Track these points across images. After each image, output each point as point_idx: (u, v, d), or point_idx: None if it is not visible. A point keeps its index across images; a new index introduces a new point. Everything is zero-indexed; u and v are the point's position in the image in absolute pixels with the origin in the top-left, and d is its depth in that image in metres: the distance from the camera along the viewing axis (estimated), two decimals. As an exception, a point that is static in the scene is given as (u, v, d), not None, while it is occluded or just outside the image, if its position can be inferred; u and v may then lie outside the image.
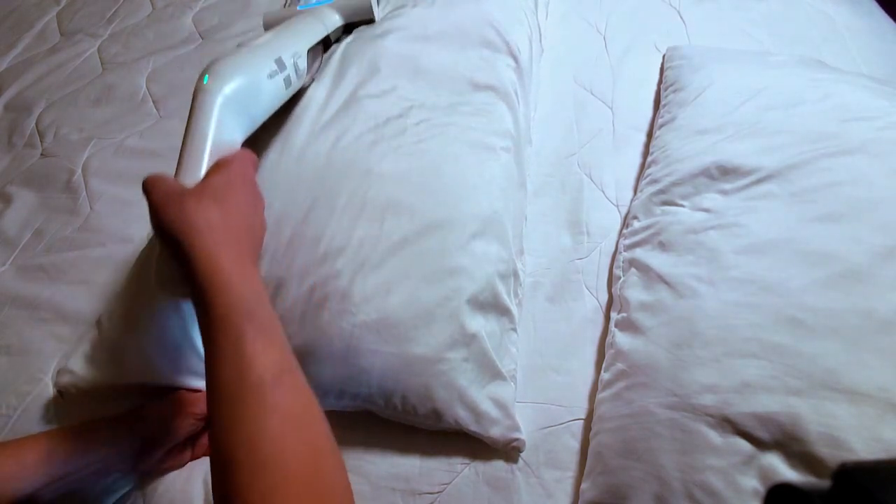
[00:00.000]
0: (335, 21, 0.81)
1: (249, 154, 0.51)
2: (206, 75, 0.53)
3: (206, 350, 0.38)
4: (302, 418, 0.37)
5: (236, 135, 0.53)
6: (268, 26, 0.82)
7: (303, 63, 0.68)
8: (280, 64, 0.62)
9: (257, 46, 0.61)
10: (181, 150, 0.49)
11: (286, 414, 0.36)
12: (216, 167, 0.46)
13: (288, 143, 0.70)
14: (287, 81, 0.63)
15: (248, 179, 0.47)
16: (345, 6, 0.83)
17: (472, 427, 0.55)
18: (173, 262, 0.41)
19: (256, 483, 0.32)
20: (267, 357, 0.37)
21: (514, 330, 0.63)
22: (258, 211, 0.48)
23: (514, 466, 0.56)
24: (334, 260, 0.57)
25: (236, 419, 0.34)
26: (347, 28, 0.85)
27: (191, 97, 0.52)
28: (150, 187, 0.43)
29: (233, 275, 0.39)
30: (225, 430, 0.35)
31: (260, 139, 0.70)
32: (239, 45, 0.62)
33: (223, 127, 0.51)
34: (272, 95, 0.60)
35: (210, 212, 0.41)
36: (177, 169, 0.48)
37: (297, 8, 0.83)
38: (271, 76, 0.60)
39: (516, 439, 0.55)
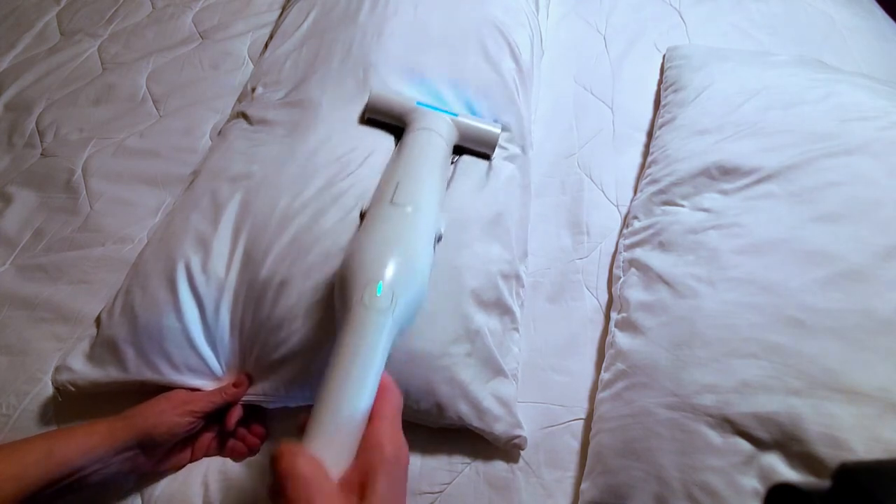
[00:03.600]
0: (454, 142, 0.69)
1: (397, 399, 0.40)
2: (379, 284, 0.41)
3: None
4: None
5: (386, 357, 0.41)
6: (373, 108, 0.71)
7: (444, 227, 0.57)
8: (435, 243, 0.53)
9: (417, 220, 0.50)
10: (323, 396, 0.37)
11: None
12: (374, 459, 0.35)
13: (296, 141, 0.70)
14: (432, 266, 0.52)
15: (405, 464, 0.37)
16: (469, 130, 0.70)
17: (475, 423, 0.55)
18: None
19: None
20: None
21: (517, 330, 0.63)
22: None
23: (515, 466, 0.56)
24: (337, 258, 0.57)
25: None
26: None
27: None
28: (294, 486, 0.33)
29: None
30: None
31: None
32: (392, 203, 0.51)
33: (380, 358, 0.40)
34: (426, 291, 0.49)
35: None
36: (309, 435, 0.36)
37: (415, 104, 0.70)
38: (431, 269, 0.50)
39: (518, 436, 0.55)
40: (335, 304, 0.45)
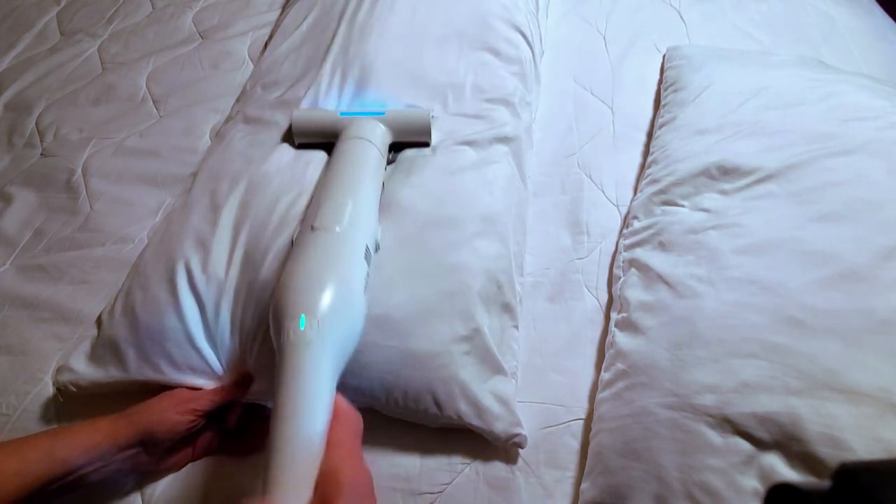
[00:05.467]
0: (387, 142, 0.67)
1: (353, 424, 0.39)
2: (301, 317, 0.40)
3: None
4: None
5: (333, 390, 0.41)
6: (299, 130, 0.69)
7: (380, 236, 0.55)
8: (368, 257, 0.50)
9: (343, 239, 0.48)
10: (274, 442, 0.37)
11: None
12: (331, 490, 0.35)
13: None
14: (368, 276, 0.50)
15: (367, 487, 0.37)
16: (399, 122, 0.68)
17: (474, 422, 0.55)
18: None
19: None
20: None
21: (516, 328, 0.63)
22: None
23: (514, 466, 0.56)
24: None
25: None
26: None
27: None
28: None
29: None
30: None
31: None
32: (312, 229, 0.50)
33: (324, 391, 0.39)
34: (363, 310, 0.47)
35: None
36: (268, 482, 0.36)
37: (338, 115, 0.68)
38: (365, 286, 0.48)
39: (518, 434, 0.55)
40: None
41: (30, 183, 0.82)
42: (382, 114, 0.68)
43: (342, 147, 0.63)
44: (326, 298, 0.43)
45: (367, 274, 0.50)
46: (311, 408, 0.38)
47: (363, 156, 0.62)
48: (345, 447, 0.38)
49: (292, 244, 0.55)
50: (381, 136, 0.65)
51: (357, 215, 0.53)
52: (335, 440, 0.38)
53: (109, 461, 0.48)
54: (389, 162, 0.68)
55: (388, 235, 0.60)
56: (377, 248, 0.54)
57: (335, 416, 0.39)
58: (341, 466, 0.36)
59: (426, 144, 0.70)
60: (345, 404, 0.40)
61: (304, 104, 0.75)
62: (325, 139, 0.69)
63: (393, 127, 0.68)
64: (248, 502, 0.34)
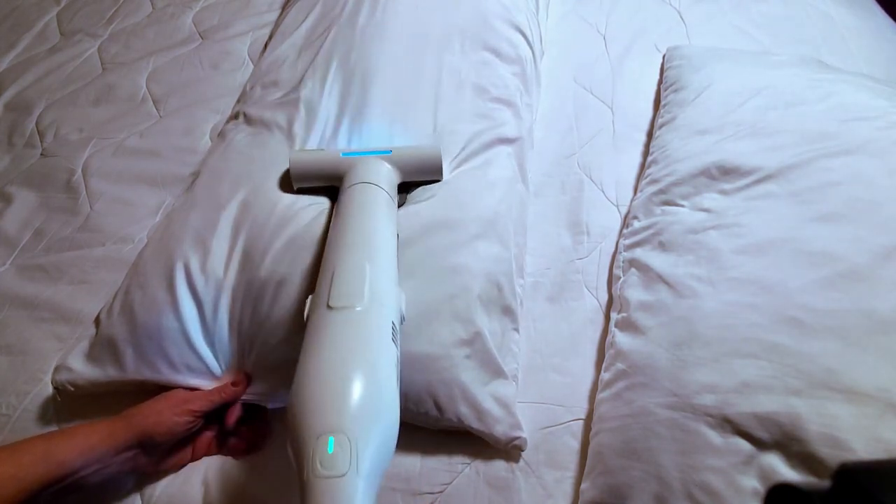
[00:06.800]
0: (396, 182, 0.61)
1: None
2: (330, 439, 0.33)
3: None
4: None
5: None
6: (298, 174, 0.63)
7: (404, 305, 0.49)
8: (395, 336, 0.43)
9: (367, 321, 0.41)
10: None
11: None
12: None
13: (294, 141, 0.70)
14: (399, 364, 0.43)
15: None
16: (408, 162, 0.62)
17: (475, 425, 0.55)
18: None
19: None
20: None
21: (516, 330, 0.63)
22: None
23: (515, 466, 0.56)
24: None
25: None
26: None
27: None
28: None
29: None
30: None
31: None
32: (329, 308, 0.42)
33: None
34: (398, 404, 0.40)
35: None
36: None
37: (340, 155, 0.62)
38: (396, 369, 0.41)
39: (518, 437, 0.55)
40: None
41: (30, 183, 0.82)
42: (389, 152, 0.62)
43: (347, 196, 0.57)
44: (357, 406, 0.35)
45: (398, 358, 0.42)
46: None
47: (372, 204, 0.55)
48: None
49: (305, 321, 0.46)
50: (388, 178, 0.59)
51: (377, 284, 0.45)
52: None
53: (108, 463, 0.48)
54: (399, 205, 0.62)
55: None
56: (402, 321, 0.47)
57: None
58: None
59: (437, 181, 0.66)
60: None
61: (303, 109, 0.74)
62: (326, 183, 0.63)
63: (401, 166, 0.62)
64: None
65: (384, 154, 0.62)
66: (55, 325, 0.66)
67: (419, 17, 0.84)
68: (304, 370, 0.39)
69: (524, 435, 0.56)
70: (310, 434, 0.34)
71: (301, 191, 0.64)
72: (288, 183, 0.65)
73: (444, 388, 0.55)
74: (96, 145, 0.86)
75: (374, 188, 0.57)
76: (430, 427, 0.57)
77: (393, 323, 0.43)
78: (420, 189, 0.65)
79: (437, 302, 0.57)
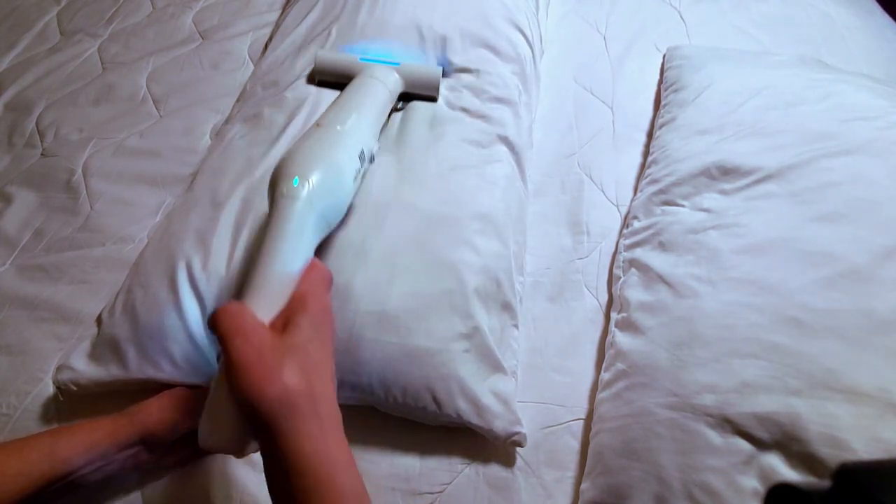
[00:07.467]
0: (398, 89, 0.73)
1: (325, 273, 0.45)
2: (296, 178, 0.46)
3: None
4: None
5: (313, 246, 0.47)
6: (321, 68, 0.76)
7: (376, 150, 0.61)
8: (362, 158, 0.56)
9: (342, 135, 0.54)
10: (254, 267, 0.43)
11: None
12: (297, 305, 0.41)
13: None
14: (362, 175, 0.57)
15: (329, 319, 0.42)
16: (412, 75, 0.74)
17: (474, 420, 0.55)
18: (246, 428, 0.40)
19: None
20: None
21: (516, 326, 0.63)
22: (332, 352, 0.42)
23: (515, 466, 0.56)
24: (336, 255, 0.58)
25: None
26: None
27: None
28: (231, 334, 0.37)
29: (338, 465, 0.37)
30: None
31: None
32: (317, 125, 0.55)
33: (306, 242, 0.46)
34: (350, 194, 0.54)
35: (317, 386, 0.38)
36: (245, 290, 0.42)
37: (358, 59, 0.74)
38: (355, 177, 0.54)
39: (517, 433, 0.55)
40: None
41: (30, 183, 0.82)
42: (398, 64, 0.74)
43: (357, 81, 0.68)
44: (319, 170, 0.48)
45: (359, 172, 0.55)
46: (292, 251, 0.44)
47: (374, 90, 0.67)
48: (314, 287, 0.43)
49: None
50: (393, 83, 0.71)
51: (358, 123, 0.57)
52: (307, 281, 0.43)
53: (110, 460, 0.48)
54: (397, 110, 0.75)
55: (388, 232, 0.60)
56: (372, 160, 0.59)
57: (310, 267, 0.44)
58: (308, 296, 0.42)
59: (433, 99, 0.76)
60: (320, 263, 0.45)
61: (303, 112, 0.75)
62: (343, 79, 0.73)
63: (405, 77, 0.73)
64: (235, 314, 0.39)
65: (394, 65, 0.74)
66: (55, 324, 0.66)
67: (419, 17, 0.84)
68: (289, 150, 0.51)
69: (523, 430, 0.56)
70: (284, 173, 0.47)
71: (320, 84, 0.77)
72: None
73: (443, 383, 0.55)
74: (96, 145, 0.86)
75: (380, 84, 0.68)
76: (429, 423, 0.57)
77: (363, 148, 0.56)
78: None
79: (434, 296, 0.57)
